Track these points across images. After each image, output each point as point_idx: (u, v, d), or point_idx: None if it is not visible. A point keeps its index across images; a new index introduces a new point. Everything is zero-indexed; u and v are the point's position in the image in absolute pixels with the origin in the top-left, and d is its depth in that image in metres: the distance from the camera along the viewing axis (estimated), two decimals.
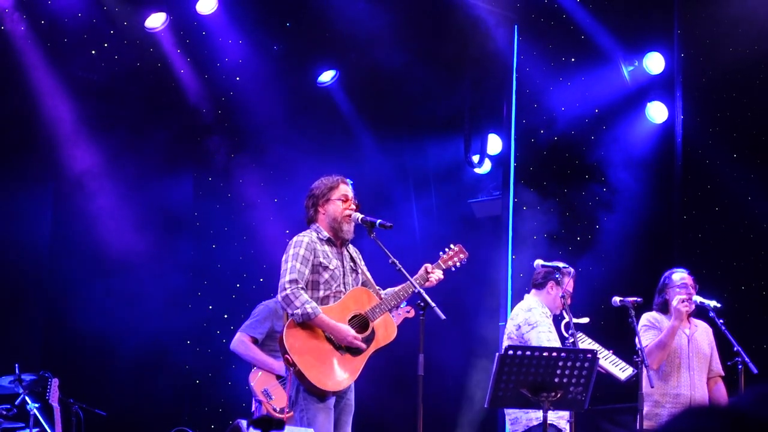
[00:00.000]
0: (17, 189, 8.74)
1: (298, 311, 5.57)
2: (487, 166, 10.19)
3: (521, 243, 9.18)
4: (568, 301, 6.64)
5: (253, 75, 9.56)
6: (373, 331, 5.76)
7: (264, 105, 9.67)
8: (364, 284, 5.94)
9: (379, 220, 5.81)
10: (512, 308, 7.00)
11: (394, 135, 10.33)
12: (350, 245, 5.98)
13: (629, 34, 9.51)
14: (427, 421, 5.66)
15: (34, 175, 8.93)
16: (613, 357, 6.81)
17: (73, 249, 9.07)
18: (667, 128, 9.49)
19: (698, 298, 6.89)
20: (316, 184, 5.97)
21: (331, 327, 5.63)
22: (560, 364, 5.47)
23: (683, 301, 6.79)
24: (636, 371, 6.48)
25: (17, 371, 7.29)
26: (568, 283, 6.71)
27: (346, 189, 5.94)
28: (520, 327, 6.59)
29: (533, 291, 6.81)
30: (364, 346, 5.69)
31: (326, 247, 5.82)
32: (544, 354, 5.51)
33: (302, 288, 5.64)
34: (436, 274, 5.86)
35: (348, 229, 5.87)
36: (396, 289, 5.85)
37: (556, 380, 5.47)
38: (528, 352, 5.49)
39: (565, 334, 6.48)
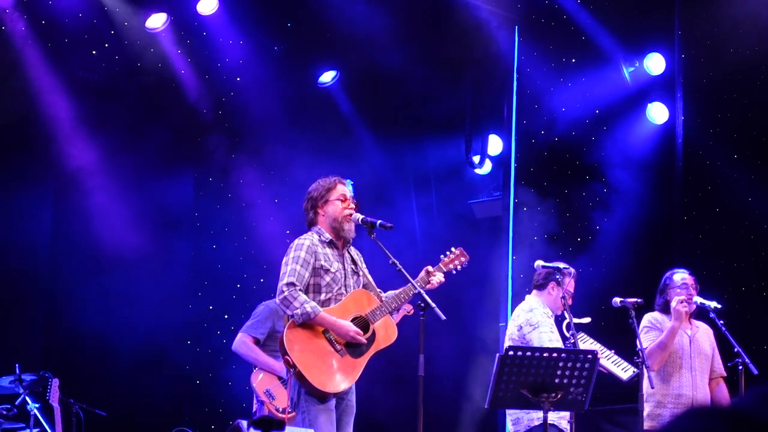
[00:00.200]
0: (18, 189, 8.74)
1: (298, 311, 5.57)
2: (487, 167, 10.20)
3: (521, 243, 9.18)
4: (569, 302, 6.64)
5: (253, 75, 9.57)
6: (373, 333, 5.76)
7: (264, 105, 9.67)
8: (365, 287, 5.94)
9: (379, 221, 5.81)
10: (512, 309, 7.01)
11: (394, 135, 10.33)
12: (351, 247, 5.98)
13: (630, 35, 9.51)
14: (428, 421, 5.66)
15: (34, 175, 8.93)
16: (615, 357, 6.82)
17: (73, 249, 9.07)
18: (667, 129, 9.49)
19: (699, 299, 6.89)
20: (314, 187, 5.96)
21: (331, 324, 5.63)
22: (560, 364, 5.47)
23: (682, 302, 6.79)
24: (638, 371, 6.48)
25: (17, 371, 7.29)
26: (569, 284, 6.71)
27: (343, 189, 5.93)
28: (521, 327, 6.59)
29: (534, 292, 6.81)
30: (364, 340, 5.69)
31: (328, 250, 5.82)
32: (545, 354, 5.51)
33: (300, 290, 5.64)
34: (438, 277, 5.86)
35: (349, 228, 5.87)
36: (397, 291, 5.85)
37: (557, 381, 5.47)
38: (528, 353, 5.49)
39: (567, 335, 6.48)
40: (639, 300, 6.64)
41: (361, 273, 5.94)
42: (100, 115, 9.06)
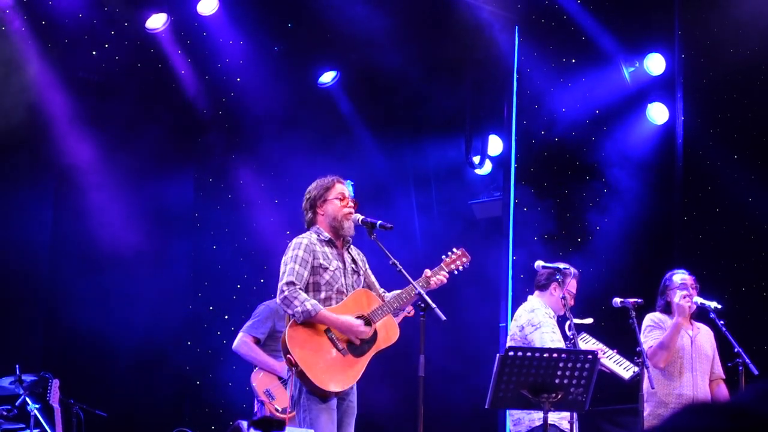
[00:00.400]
0: (18, 189, 8.74)
1: (299, 309, 5.57)
2: (487, 167, 10.19)
3: (522, 244, 9.18)
4: (571, 303, 6.65)
5: (253, 76, 9.57)
6: (375, 333, 5.75)
7: (264, 105, 9.67)
8: (368, 287, 5.94)
9: (379, 221, 5.81)
10: (512, 309, 7.01)
11: (394, 136, 10.33)
12: (352, 247, 5.98)
13: (630, 35, 9.51)
14: (428, 422, 5.66)
15: (34, 175, 8.93)
16: (617, 356, 6.82)
17: (73, 250, 9.07)
18: (667, 129, 9.48)
19: (699, 299, 6.89)
20: (312, 186, 5.96)
21: (333, 321, 5.63)
22: (561, 365, 5.47)
23: (685, 297, 6.79)
24: (639, 370, 6.48)
25: (18, 372, 7.28)
26: (572, 284, 6.72)
27: (342, 188, 5.93)
28: (523, 328, 6.60)
29: (537, 292, 6.81)
30: (368, 330, 5.68)
31: (326, 249, 5.82)
32: (545, 355, 5.51)
33: (300, 289, 5.65)
34: (439, 277, 5.85)
35: (349, 227, 5.87)
36: (398, 292, 5.85)
37: (557, 381, 5.47)
38: (528, 353, 5.49)
39: (569, 335, 6.48)
40: (639, 300, 6.64)
41: (362, 273, 5.94)
42: (100, 116, 9.06)
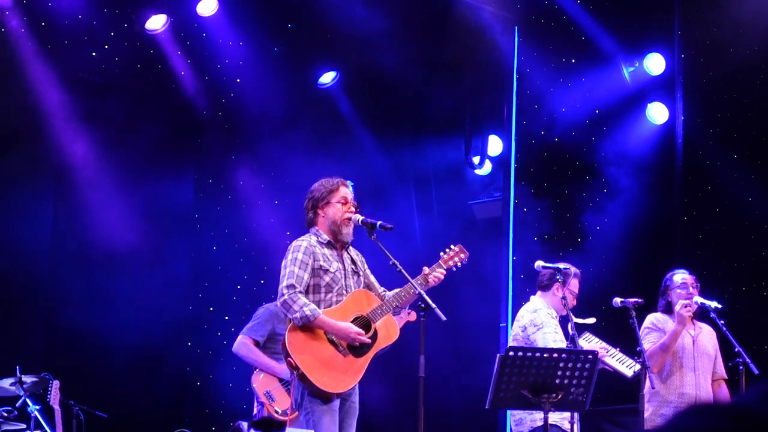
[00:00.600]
0: (18, 190, 8.73)
1: (297, 315, 5.58)
2: (487, 168, 10.19)
3: (522, 244, 9.18)
4: (574, 302, 6.66)
5: (253, 76, 9.56)
6: (375, 333, 5.76)
7: (264, 106, 9.67)
8: (367, 287, 5.94)
9: (379, 222, 5.81)
10: (512, 309, 7.02)
11: (394, 136, 10.33)
12: (351, 248, 5.98)
13: (630, 35, 9.51)
14: (428, 422, 5.66)
15: (34, 176, 8.92)
16: (620, 354, 6.83)
17: (73, 250, 9.06)
18: (667, 129, 9.48)
19: (699, 299, 6.89)
20: (316, 187, 5.96)
21: (331, 326, 5.64)
22: (561, 365, 5.47)
23: (686, 306, 6.79)
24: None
25: (18, 373, 7.27)
26: (574, 284, 6.73)
27: (346, 191, 5.93)
28: (526, 328, 6.60)
29: (539, 293, 6.82)
30: (368, 339, 5.68)
31: (326, 250, 5.82)
32: (545, 355, 5.51)
33: (300, 292, 5.65)
34: (436, 274, 5.84)
35: (347, 232, 5.87)
36: (397, 290, 5.85)
37: (557, 381, 5.47)
38: (529, 353, 5.49)
39: (571, 335, 6.48)
40: (639, 300, 6.65)
41: (361, 273, 5.94)
42: (100, 117, 9.06)
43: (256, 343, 7.29)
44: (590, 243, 9.27)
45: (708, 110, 9.37)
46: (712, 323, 6.95)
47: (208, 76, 9.49)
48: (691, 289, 6.92)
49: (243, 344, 7.31)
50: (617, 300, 6.63)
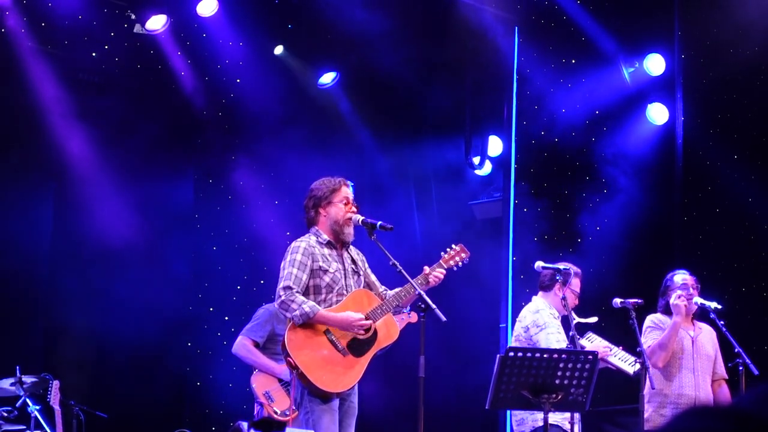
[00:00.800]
0: (18, 190, 8.74)
1: (297, 312, 5.58)
2: (487, 168, 10.19)
3: (521, 244, 9.18)
4: (576, 302, 6.67)
5: (253, 77, 9.56)
6: (375, 332, 5.76)
7: (264, 106, 9.67)
8: (368, 286, 5.94)
9: (379, 222, 5.81)
10: (513, 309, 7.02)
11: (394, 137, 10.33)
12: (352, 247, 5.98)
13: (630, 36, 9.51)
14: (428, 422, 5.66)
15: (34, 176, 8.93)
16: (622, 353, 6.84)
17: (73, 250, 9.07)
18: (667, 130, 9.48)
19: (699, 300, 6.90)
20: (318, 185, 5.95)
21: (332, 319, 5.63)
22: (561, 365, 5.47)
23: (680, 296, 6.81)
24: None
25: (18, 373, 7.27)
26: (576, 284, 6.73)
27: (347, 191, 5.92)
28: (528, 329, 6.60)
29: (541, 293, 6.82)
30: (370, 323, 5.68)
31: (326, 250, 5.81)
32: (545, 355, 5.51)
33: (297, 292, 5.64)
34: (436, 273, 5.84)
35: (349, 232, 5.87)
36: (397, 290, 5.85)
37: (557, 381, 5.47)
38: (529, 354, 5.49)
39: (572, 334, 6.49)
40: (639, 300, 6.65)
41: (362, 273, 5.94)
42: (100, 117, 9.06)
43: (256, 344, 7.28)
44: (590, 243, 9.27)
45: (708, 111, 9.37)
46: (712, 324, 6.96)
47: (208, 76, 9.49)
48: (691, 290, 6.93)
49: (242, 345, 7.31)
50: (617, 300, 6.63)
